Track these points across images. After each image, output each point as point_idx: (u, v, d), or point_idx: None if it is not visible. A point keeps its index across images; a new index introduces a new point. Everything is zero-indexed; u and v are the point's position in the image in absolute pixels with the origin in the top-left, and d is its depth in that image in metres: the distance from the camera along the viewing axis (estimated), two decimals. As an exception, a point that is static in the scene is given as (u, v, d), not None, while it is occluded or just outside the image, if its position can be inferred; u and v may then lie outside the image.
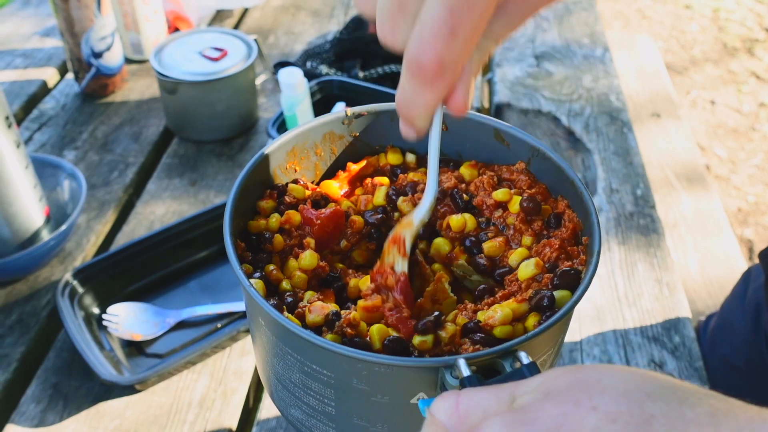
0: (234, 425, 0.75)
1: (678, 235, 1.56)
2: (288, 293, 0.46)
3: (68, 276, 0.82)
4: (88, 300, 0.83)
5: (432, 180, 0.43)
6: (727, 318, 0.93)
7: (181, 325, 0.83)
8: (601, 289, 0.92)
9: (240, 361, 0.80)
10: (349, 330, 0.42)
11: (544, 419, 0.30)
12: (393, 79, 1.19)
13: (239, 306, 0.84)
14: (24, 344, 0.82)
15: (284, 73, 1.03)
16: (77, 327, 0.79)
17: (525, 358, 0.38)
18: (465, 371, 0.37)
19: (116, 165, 1.09)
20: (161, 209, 1.00)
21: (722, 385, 0.85)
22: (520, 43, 1.42)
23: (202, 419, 0.75)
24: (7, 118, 0.80)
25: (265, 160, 0.52)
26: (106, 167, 1.08)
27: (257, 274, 0.47)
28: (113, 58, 1.19)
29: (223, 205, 0.63)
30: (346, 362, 0.40)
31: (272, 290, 0.47)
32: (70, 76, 1.27)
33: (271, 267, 0.48)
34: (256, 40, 1.16)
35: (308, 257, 0.48)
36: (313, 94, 1.08)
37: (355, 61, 1.22)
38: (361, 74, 1.19)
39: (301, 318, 0.44)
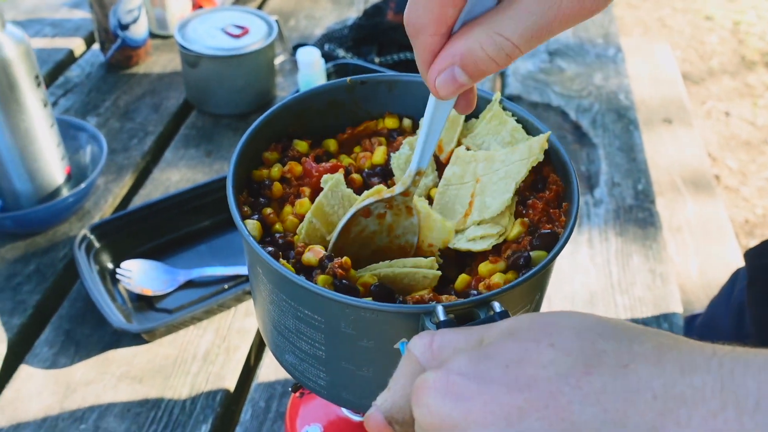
0: (235, 379, 0.79)
1: (681, 239, 1.59)
2: (279, 234, 0.50)
3: (86, 230, 0.87)
4: (103, 255, 0.88)
5: (418, 150, 0.47)
6: (712, 316, 0.96)
7: (189, 284, 0.87)
8: (596, 276, 0.95)
9: (243, 321, 0.84)
10: (340, 270, 0.46)
11: (506, 353, 0.34)
12: (408, 66, 1.23)
13: (245, 270, 0.88)
14: (40, 293, 0.86)
15: (303, 52, 1.07)
16: (92, 278, 0.83)
17: (498, 307, 0.41)
18: (442, 317, 0.41)
19: (136, 133, 1.13)
20: (176, 176, 1.05)
21: None
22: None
23: (204, 372, 0.79)
24: (36, 77, 0.85)
25: (273, 117, 0.55)
26: (126, 134, 1.13)
27: (255, 216, 0.50)
28: (139, 31, 1.23)
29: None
30: (335, 307, 0.43)
31: (267, 232, 0.51)
32: (96, 46, 1.32)
33: (268, 210, 0.51)
34: (276, 20, 1.19)
35: (304, 204, 0.51)
36: (329, 76, 1.12)
37: (372, 47, 1.26)
38: (377, 59, 1.22)
39: (297, 259, 0.48)
